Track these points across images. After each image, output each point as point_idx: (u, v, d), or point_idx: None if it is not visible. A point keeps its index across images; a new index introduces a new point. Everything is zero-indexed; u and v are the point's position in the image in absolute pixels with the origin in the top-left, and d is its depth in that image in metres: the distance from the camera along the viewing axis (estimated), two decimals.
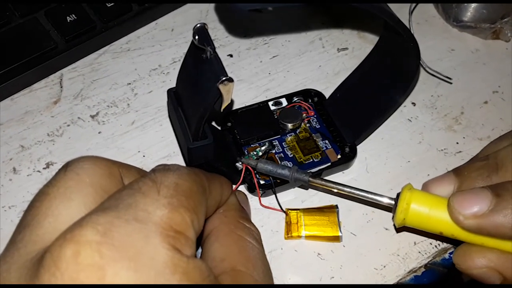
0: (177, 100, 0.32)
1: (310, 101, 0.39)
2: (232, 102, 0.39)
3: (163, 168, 0.21)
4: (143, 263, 0.17)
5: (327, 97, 0.39)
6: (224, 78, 0.27)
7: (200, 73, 0.29)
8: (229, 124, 0.37)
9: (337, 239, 0.33)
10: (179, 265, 0.18)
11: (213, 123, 0.37)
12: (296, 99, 0.39)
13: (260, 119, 0.37)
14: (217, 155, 0.33)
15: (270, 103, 0.38)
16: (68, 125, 0.37)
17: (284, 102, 0.38)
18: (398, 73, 0.35)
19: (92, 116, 0.38)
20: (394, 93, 0.35)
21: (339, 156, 0.36)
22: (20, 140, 0.36)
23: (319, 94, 0.39)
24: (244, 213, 0.27)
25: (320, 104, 0.38)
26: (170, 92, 0.33)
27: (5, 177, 0.35)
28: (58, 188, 0.20)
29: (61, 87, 0.39)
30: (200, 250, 0.25)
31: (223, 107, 0.28)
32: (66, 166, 0.21)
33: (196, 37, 0.28)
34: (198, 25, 0.28)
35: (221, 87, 0.27)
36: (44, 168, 0.35)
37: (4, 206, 0.33)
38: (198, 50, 0.28)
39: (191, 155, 0.31)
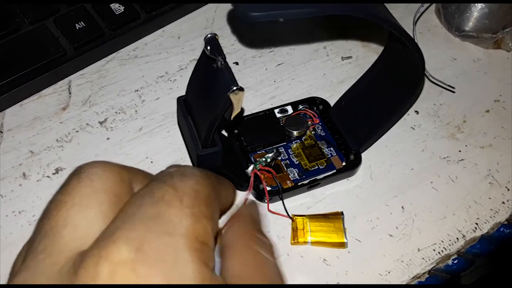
0: (186, 108, 0.33)
1: (315, 108, 0.39)
2: (242, 110, 0.39)
3: (179, 172, 0.22)
4: (174, 279, 0.18)
5: (332, 105, 0.39)
6: (235, 88, 0.27)
7: (210, 82, 0.30)
8: (236, 131, 0.37)
9: (342, 245, 0.34)
10: (206, 279, 0.19)
11: (223, 131, 0.38)
12: (301, 106, 0.39)
13: (266, 126, 0.38)
14: (225, 161, 0.33)
15: (276, 111, 0.39)
16: (77, 131, 0.38)
17: (289, 109, 0.39)
18: (403, 83, 0.35)
19: (101, 122, 0.38)
20: (398, 103, 0.36)
21: (344, 163, 0.36)
22: (29, 145, 0.37)
23: (324, 102, 0.39)
24: (258, 224, 0.27)
25: (325, 112, 0.39)
26: (179, 100, 0.34)
27: (15, 182, 0.35)
28: (74, 197, 0.20)
29: (70, 94, 0.40)
30: (218, 259, 0.25)
31: (233, 115, 0.29)
32: (79, 173, 0.21)
33: (208, 47, 0.28)
34: (209, 35, 0.29)
35: (232, 96, 0.27)
36: (53, 174, 0.36)
37: (14, 211, 0.34)
38: (209, 59, 0.29)
39: (200, 162, 0.32)
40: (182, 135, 0.37)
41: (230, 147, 0.36)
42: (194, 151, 0.31)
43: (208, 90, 0.30)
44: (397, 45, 0.34)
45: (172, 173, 0.22)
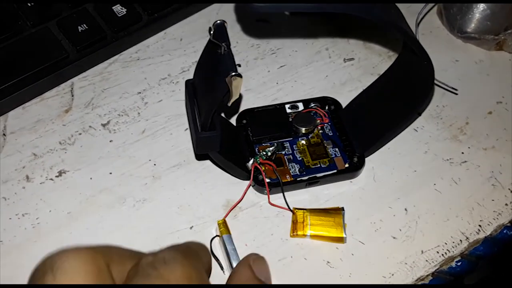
0: (193, 91, 0.34)
1: (326, 108, 0.39)
2: (240, 97, 0.40)
3: (161, 261, 0.20)
4: None
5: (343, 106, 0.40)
6: (233, 74, 0.28)
7: (213, 67, 0.31)
8: (244, 121, 0.38)
9: (341, 240, 0.34)
10: None
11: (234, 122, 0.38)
12: (313, 105, 0.39)
13: (275, 120, 0.38)
14: (227, 148, 0.34)
15: (287, 106, 0.39)
16: (80, 134, 0.38)
17: (300, 106, 0.39)
18: (412, 92, 0.35)
19: (103, 125, 0.38)
20: (406, 111, 0.36)
21: (346, 165, 0.36)
22: (32, 148, 0.37)
23: (336, 102, 0.40)
24: None
25: (336, 113, 0.39)
26: (187, 82, 0.34)
27: (18, 185, 0.35)
28: None
29: (72, 96, 0.40)
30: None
31: (231, 101, 0.30)
32: (51, 268, 0.19)
33: (211, 32, 0.29)
34: (218, 21, 0.30)
35: (229, 82, 0.28)
36: (56, 176, 0.36)
37: (17, 214, 0.34)
38: (215, 45, 0.30)
39: (198, 143, 0.32)
40: (187, 117, 0.37)
41: (237, 136, 0.37)
42: (194, 133, 0.32)
43: (211, 74, 0.31)
44: (410, 54, 0.34)
45: (154, 263, 0.20)
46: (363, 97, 0.39)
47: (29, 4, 0.41)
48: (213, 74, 0.31)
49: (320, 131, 0.38)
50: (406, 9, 0.46)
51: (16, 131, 0.38)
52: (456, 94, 0.41)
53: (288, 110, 0.39)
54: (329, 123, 0.38)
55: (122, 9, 0.42)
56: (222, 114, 0.38)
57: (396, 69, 0.37)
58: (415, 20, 0.42)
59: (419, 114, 0.40)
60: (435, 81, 0.41)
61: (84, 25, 0.41)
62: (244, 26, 0.45)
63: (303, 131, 0.38)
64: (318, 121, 0.38)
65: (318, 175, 0.36)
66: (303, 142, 0.37)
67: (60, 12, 0.41)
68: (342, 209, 0.35)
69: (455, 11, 0.45)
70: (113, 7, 0.42)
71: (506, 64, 0.44)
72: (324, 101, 0.40)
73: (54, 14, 0.41)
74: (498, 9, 0.43)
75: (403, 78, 0.36)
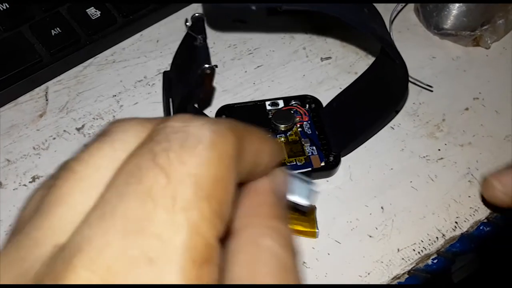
0: (169, 82, 0.34)
1: (307, 107, 0.39)
2: (214, 89, 0.40)
3: (180, 140, 0.15)
4: None
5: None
6: (206, 66, 0.28)
7: (189, 59, 0.31)
8: (223, 116, 0.38)
9: (313, 234, 0.34)
10: None
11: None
12: (293, 102, 0.39)
13: (254, 116, 0.38)
14: None
15: (267, 103, 0.39)
16: (54, 138, 0.38)
17: (281, 103, 0.39)
18: (388, 93, 0.36)
19: (78, 129, 0.38)
20: (383, 111, 0.36)
21: (322, 164, 0.36)
22: (5, 154, 0.37)
23: (316, 101, 0.39)
24: (279, 208, 0.19)
25: (316, 111, 0.39)
26: (165, 74, 0.34)
27: None
28: (87, 167, 0.15)
29: (47, 100, 0.40)
30: None
31: (204, 94, 0.30)
32: (104, 135, 0.16)
33: (188, 23, 0.29)
34: (197, 14, 0.30)
35: (202, 73, 0.28)
36: (30, 182, 0.35)
37: None
38: (191, 37, 0.30)
39: None
40: (163, 109, 0.37)
41: None
42: None
43: (186, 66, 0.31)
44: (385, 58, 0.34)
45: (170, 140, 0.15)
46: (343, 96, 0.39)
47: (1, 8, 0.40)
48: (187, 66, 0.31)
49: (299, 129, 0.38)
50: (384, 6, 0.46)
51: None
52: (432, 91, 0.41)
53: (268, 107, 0.39)
54: (309, 121, 0.38)
55: (96, 11, 0.42)
56: (204, 111, 0.38)
57: (374, 69, 0.37)
58: (389, 18, 0.42)
59: (396, 112, 0.40)
60: (411, 79, 0.41)
61: (58, 28, 0.40)
62: (220, 26, 0.45)
63: (282, 128, 0.37)
64: (298, 119, 0.38)
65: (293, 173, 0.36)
66: (281, 139, 0.37)
67: (33, 16, 0.41)
68: (314, 206, 0.34)
69: (431, 8, 0.45)
70: (87, 10, 0.42)
71: (482, 60, 0.44)
72: (304, 99, 0.40)
73: (26, 18, 0.40)
74: (474, 5, 0.43)
75: (380, 78, 0.37)
